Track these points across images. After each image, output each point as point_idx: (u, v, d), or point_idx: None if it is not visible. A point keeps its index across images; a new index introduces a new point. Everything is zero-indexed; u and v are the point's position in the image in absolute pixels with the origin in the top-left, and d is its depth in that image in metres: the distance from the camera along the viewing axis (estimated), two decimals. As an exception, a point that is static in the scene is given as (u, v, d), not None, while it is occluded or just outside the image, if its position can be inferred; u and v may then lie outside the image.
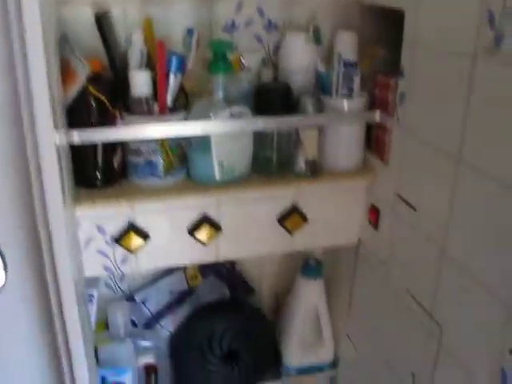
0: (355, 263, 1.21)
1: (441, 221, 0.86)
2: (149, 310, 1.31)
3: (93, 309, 1.18)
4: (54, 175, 0.79)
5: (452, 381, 0.88)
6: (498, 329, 0.75)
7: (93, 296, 1.17)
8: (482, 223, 0.77)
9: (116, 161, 1.00)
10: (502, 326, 0.75)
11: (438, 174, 0.87)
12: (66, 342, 0.94)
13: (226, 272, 1.34)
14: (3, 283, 0.86)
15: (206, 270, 1.32)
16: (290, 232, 1.09)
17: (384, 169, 1.04)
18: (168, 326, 1.32)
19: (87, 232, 0.99)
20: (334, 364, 1.38)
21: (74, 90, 0.93)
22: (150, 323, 1.31)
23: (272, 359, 1.35)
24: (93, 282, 1.20)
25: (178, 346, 1.31)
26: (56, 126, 0.78)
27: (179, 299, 1.33)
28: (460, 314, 0.84)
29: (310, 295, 1.29)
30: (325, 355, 1.36)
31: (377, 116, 1.03)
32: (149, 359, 1.27)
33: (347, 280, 1.26)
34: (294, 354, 1.33)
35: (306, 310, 1.30)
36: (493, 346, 0.77)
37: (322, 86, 1.06)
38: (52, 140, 0.77)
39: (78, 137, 0.91)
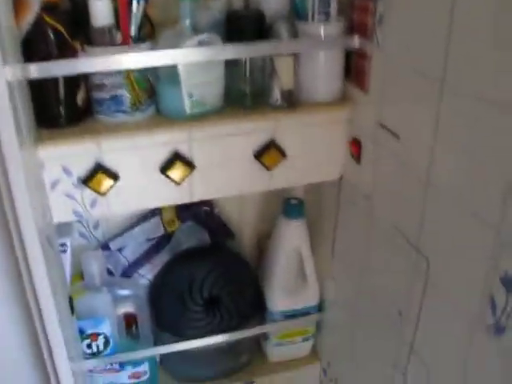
0: (338, 201, 1.16)
1: (425, 148, 0.81)
2: (125, 258, 1.27)
3: (67, 258, 1.13)
4: (6, 114, 0.74)
5: (440, 316, 0.85)
6: (487, 257, 0.71)
7: (66, 245, 1.12)
8: (468, 148, 0.72)
9: (80, 97, 0.94)
10: (491, 254, 0.70)
11: (421, 98, 0.81)
12: (35, 294, 0.90)
13: (204, 216, 1.29)
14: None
15: (183, 214, 1.27)
16: (267, 168, 1.03)
17: (364, 98, 0.99)
18: (146, 274, 1.27)
19: (52, 174, 0.93)
20: (319, 307, 1.34)
21: (28, 20, 0.86)
22: (128, 272, 1.26)
23: (255, 305, 1.31)
24: (65, 231, 1.14)
25: (158, 293, 1.26)
26: (5, 60, 0.72)
27: (157, 246, 1.28)
28: (447, 244, 0.80)
29: (292, 237, 1.24)
30: (310, 299, 1.32)
31: (355, 41, 0.97)
32: (128, 308, 1.22)
33: (330, 219, 1.21)
34: (278, 298, 1.29)
35: (288, 253, 1.25)
36: (481, 276, 0.72)
37: (296, 12, 1.00)
38: (2, 75, 0.71)
39: (36, 71, 0.84)
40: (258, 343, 1.43)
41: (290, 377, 1.41)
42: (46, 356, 0.99)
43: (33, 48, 0.87)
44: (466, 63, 0.70)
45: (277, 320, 1.32)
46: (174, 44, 0.90)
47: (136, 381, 1.29)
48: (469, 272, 0.76)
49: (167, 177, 0.98)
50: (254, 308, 1.31)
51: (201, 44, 0.91)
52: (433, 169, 0.81)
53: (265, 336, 1.37)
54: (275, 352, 1.40)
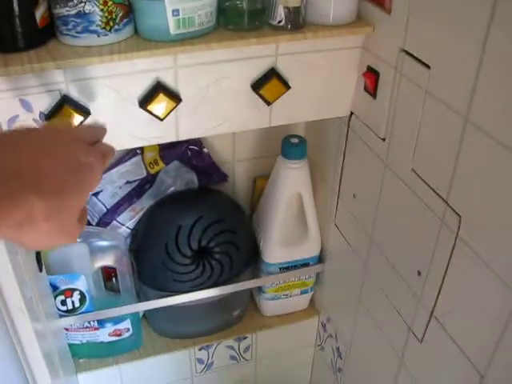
0: (346, 141, 1.01)
1: (465, 80, 0.66)
2: (103, 204, 1.12)
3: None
4: None
5: (467, 276, 0.72)
6: None
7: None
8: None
9: (39, 14, 0.77)
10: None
11: (461, 21, 0.65)
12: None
13: (191, 155, 1.13)
14: None
15: (167, 153, 1.12)
16: (267, 102, 0.87)
17: (386, 19, 0.82)
18: (126, 222, 1.12)
19: (8, 109, 0.77)
20: (320, 258, 1.21)
21: None
22: (106, 219, 1.11)
23: (250, 256, 1.18)
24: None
25: (140, 244, 1.12)
26: None
27: (138, 189, 1.13)
28: (484, 198, 0.66)
29: (292, 180, 1.09)
30: (310, 249, 1.19)
31: None
32: (107, 261, 1.09)
33: (336, 161, 1.06)
34: (276, 248, 1.16)
35: (287, 198, 1.11)
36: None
37: None
38: None
39: (-18, -21, 0.67)
40: (251, 296, 1.31)
41: (286, 332, 1.30)
42: (4, 315, 0.86)
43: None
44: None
45: (273, 272, 1.19)
46: None
47: (117, 338, 1.17)
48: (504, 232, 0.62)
49: (148, 112, 0.82)
50: (248, 259, 1.17)
51: None
52: (472, 106, 0.66)
53: (259, 289, 1.24)
54: (270, 306, 1.28)
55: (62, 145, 0.51)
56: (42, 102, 0.78)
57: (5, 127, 0.78)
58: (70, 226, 0.50)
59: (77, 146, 0.52)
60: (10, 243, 0.76)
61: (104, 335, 1.16)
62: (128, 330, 1.17)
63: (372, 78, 0.87)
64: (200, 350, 1.26)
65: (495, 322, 0.68)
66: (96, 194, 1.12)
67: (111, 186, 1.12)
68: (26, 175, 0.45)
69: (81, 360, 1.20)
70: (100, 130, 0.61)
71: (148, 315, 1.25)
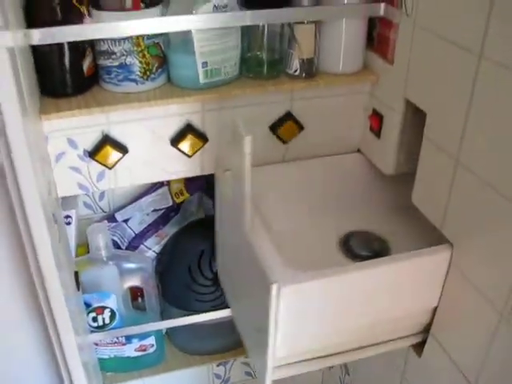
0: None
1: (457, 125, 0.76)
2: (132, 230, 1.22)
3: (72, 230, 1.08)
4: (7, 82, 0.68)
5: (464, 303, 0.81)
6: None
7: (70, 217, 1.08)
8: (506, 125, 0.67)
9: (86, 65, 0.88)
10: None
11: (454, 71, 0.76)
12: (38, 268, 0.86)
13: (214, 187, 1.24)
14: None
15: (192, 185, 1.22)
16: (283, 141, 0.98)
17: (389, 69, 0.93)
18: (153, 247, 1.23)
19: (57, 147, 0.88)
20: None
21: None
22: (134, 244, 1.22)
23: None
24: (70, 203, 1.09)
25: (165, 267, 1.23)
26: (7, 25, 0.66)
27: (164, 217, 1.24)
28: (475, 223, 0.76)
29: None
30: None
31: (381, 8, 0.91)
32: (135, 282, 1.19)
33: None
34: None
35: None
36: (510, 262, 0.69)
37: (318, -25, 0.93)
38: (3, 41, 0.66)
39: (39, 37, 0.78)
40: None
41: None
42: (51, 330, 0.96)
43: (36, 13, 0.81)
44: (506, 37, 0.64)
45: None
46: (188, 8, 0.84)
47: (142, 353, 1.27)
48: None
49: (178, 149, 0.93)
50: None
51: (216, 9, 0.85)
52: (463, 152, 0.76)
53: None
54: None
55: None
56: (86, 141, 0.89)
57: (53, 163, 0.89)
58: None
59: None
60: (58, 259, 0.86)
61: (130, 350, 1.25)
62: (152, 345, 1.26)
63: (377, 121, 0.98)
64: (218, 365, 1.35)
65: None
66: (126, 221, 1.22)
67: (140, 213, 1.23)
68: None
69: (108, 373, 1.29)
70: None
71: (170, 332, 1.34)
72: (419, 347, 0.94)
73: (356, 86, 0.98)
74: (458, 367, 0.84)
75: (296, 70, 0.94)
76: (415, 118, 0.88)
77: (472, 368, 0.80)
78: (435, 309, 0.87)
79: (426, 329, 0.91)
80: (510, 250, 0.68)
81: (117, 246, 1.20)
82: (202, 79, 0.88)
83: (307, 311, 0.80)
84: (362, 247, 0.97)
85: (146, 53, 0.87)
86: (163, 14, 0.86)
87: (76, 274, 1.06)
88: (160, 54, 0.89)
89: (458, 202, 0.78)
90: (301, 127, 0.98)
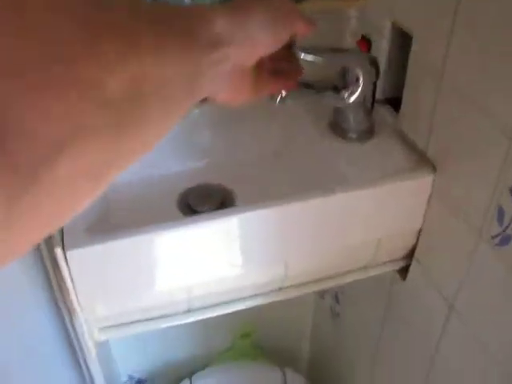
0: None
1: (441, 45, 0.75)
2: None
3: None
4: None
5: (446, 226, 0.82)
6: (498, 166, 0.68)
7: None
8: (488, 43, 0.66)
9: None
10: (502, 163, 0.67)
11: None
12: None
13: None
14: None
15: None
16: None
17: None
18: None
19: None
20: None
21: None
22: None
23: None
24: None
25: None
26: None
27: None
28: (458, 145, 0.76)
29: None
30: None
31: None
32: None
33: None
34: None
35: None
36: (491, 185, 0.70)
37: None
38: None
39: None
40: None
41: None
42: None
43: None
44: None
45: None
46: None
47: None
48: (478, 181, 0.73)
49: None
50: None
51: None
52: (447, 68, 0.75)
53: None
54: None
55: None
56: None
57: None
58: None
59: None
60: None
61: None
62: None
63: (365, 46, 0.96)
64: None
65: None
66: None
67: None
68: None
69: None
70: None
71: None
72: (404, 272, 0.96)
73: (344, 11, 0.96)
74: (438, 288, 0.86)
75: None
76: (403, 44, 0.86)
77: (451, 288, 0.82)
78: (419, 232, 0.89)
79: (411, 255, 0.92)
80: (491, 172, 0.69)
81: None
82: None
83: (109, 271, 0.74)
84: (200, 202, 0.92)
85: None
86: None
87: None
88: None
89: (443, 123, 0.78)
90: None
